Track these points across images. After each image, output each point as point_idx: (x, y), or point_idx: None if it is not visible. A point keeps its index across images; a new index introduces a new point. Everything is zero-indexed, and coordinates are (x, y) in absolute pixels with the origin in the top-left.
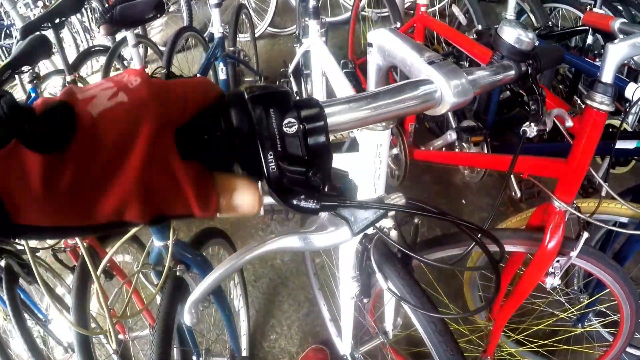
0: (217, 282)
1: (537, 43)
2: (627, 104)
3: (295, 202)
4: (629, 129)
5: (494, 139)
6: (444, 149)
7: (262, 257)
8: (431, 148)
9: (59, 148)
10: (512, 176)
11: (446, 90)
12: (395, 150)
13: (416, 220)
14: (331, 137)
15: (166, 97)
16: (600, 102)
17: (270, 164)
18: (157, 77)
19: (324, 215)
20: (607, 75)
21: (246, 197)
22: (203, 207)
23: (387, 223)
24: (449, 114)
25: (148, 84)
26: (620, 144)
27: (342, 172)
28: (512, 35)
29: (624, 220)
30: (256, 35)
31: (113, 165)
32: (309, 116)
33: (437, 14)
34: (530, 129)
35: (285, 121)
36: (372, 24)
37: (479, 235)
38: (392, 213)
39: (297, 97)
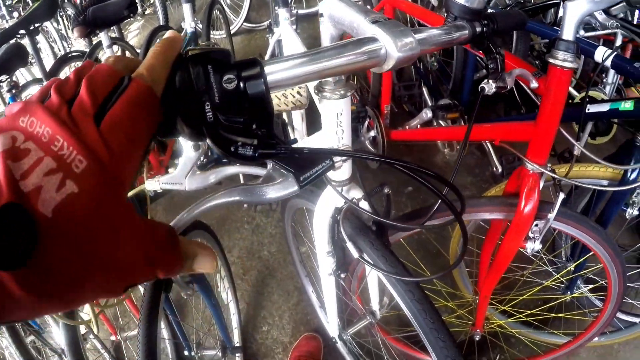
0: None
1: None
2: (603, 74)
3: (232, 149)
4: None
5: (470, 115)
6: (420, 127)
7: (249, 250)
8: (407, 127)
9: (22, 264)
10: (492, 151)
11: (391, 47)
12: (372, 133)
13: (386, 190)
14: (289, 105)
15: (120, 164)
16: (563, 59)
17: (208, 114)
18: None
19: (272, 169)
20: (568, 32)
21: (206, 262)
22: (167, 273)
23: (356, 194)
24: (425, 93)
25: (96, 168)
26: (594, 108)
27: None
28: None
29: (604, 183)
30: (232, 31)
31: (80, 264)
32: (248, 75)
33: None
34: (489, 86)
35: (225, 77)
36: None
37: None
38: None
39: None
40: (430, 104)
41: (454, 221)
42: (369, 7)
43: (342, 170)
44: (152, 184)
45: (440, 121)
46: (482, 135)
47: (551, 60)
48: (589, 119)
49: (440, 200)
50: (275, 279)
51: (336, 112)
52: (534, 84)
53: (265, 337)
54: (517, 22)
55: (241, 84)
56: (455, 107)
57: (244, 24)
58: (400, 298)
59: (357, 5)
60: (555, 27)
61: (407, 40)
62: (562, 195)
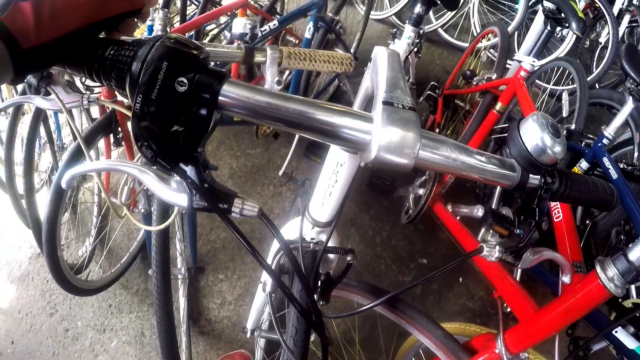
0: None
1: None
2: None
3: (139, 144)
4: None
5: None
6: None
7: None
8: (450, 208)
9: None
10: None
11: (376, 139)
12: (421, 191)
13: (349, 259)
14: (334, 68)
15: None
16: (611, 278)
17: (137, 105)
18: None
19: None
20: (638, 254)
21: None
22: None
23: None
24: (496, 192)
25: None
26: (622, 336)
27: None
28: (533, 136)
29: None
30: (376, 17)
31: None
32: (204, 84)
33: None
34: (491, 253)
35: (180, 79)
36: (479, 62)
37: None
38: None
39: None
40: (493, 203)
41: None
42: (495, 75)
43: (325, 209)
44: None
45: (486, 227)
46: (490, 278)
47: (598, 270)
48: (608, 340)
49: None
50: (259, 245)
51: (337, 161)
52: (567, 280)
53: (215, 283)
54: (599, 200)
55: (192, 88)
56: (511, 224)
57: (392, 17)
58: None
59: (396, 72)
60: None
61: (400, 140)
62: None
